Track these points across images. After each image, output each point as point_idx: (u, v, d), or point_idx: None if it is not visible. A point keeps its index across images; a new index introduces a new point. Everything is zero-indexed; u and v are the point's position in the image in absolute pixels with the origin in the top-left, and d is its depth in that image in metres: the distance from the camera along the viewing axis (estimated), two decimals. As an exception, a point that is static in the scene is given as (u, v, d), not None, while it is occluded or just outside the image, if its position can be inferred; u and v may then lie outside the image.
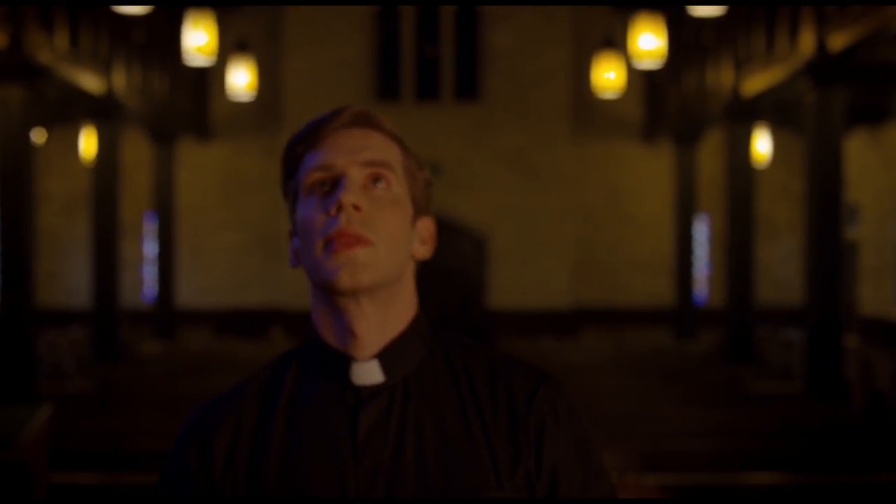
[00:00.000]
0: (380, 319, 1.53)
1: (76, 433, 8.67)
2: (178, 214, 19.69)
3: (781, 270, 20.99)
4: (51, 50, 12.53)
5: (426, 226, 1.60)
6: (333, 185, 1.52)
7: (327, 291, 1.51)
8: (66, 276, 20.73)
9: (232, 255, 20.86)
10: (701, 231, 20.72)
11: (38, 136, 17.42)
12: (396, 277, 1.53)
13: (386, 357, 1.53)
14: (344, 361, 1.53)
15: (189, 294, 20.46)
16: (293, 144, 1.57)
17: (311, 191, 1.53)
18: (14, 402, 10.11)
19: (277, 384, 1.57)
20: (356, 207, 1.48)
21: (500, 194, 20.14)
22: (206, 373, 14.16)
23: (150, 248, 20.34)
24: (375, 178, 1.53)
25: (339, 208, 1.48)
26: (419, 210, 1.59)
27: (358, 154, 1.53)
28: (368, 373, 1.53)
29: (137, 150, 19.70)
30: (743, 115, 15.05)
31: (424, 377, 1.55)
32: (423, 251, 1.60)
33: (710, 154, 19.57)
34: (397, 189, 1.54)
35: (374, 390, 1.53)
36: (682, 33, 17.38)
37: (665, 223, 20.37)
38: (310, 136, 1.56)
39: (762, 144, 17.19)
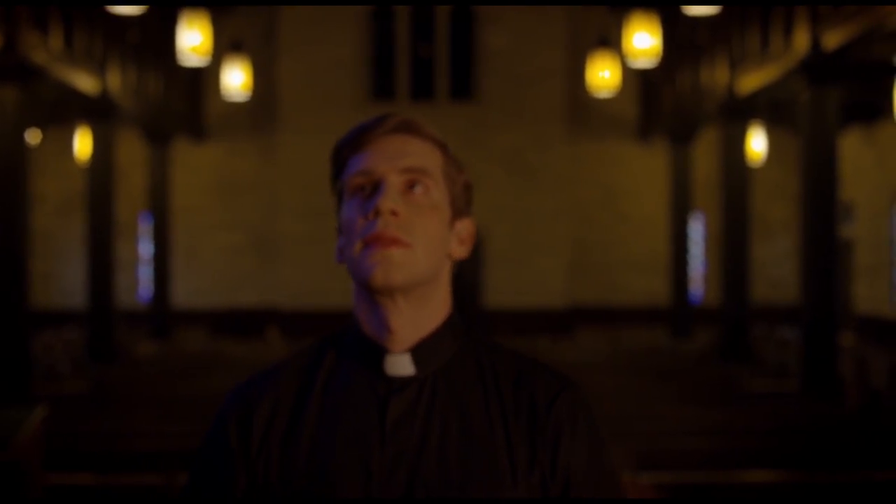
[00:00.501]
0: (414, 316, 1.61)
1: (71, 434, 8.66)
2: (173, 215, 19.68)
3: (777, 269, 21.01)
4: (45, 50, 12.52)
5: (465, 226, 1.68)
6: (374, 189, 1.60)
7: (365, 288, 1.60)
8: (61, 277, 20.70)
9: (227, 255, 20.84)
10: (696, 230, 20.74)
11: (32, 136, 17.40)
12: (431, 278, 1.61)
13: (418, 352, 1.61)
14: (379, 352, 1.62)
15: (184, 294, 20.45)
16: (340, 147, 1.66)
17: (353, 193, 1.62)
18: (9, 404, 10.10)
19: (316, 367, 1.65)
20: (394, 213, 1.57)
21: (496, 194, 20.13)
22: (202, 373, 14.15)
23: (146, 249, 20.32)
24: (413, 184, 1.61)
25: (377, 213, 1.57)
26: (458, 212, 1.67)
27: (398, 161, 1.61)
28: (400, 365, 1.61)
29: (132, 151, 19.69)
30: (738, 114, 15.05)
31: (453, 373, 1.63)
32: (461, 251, 1.68)
33: (704, 153, 19.58)
34: (435, 194, 1.62)
35: (405, 382, 1.61)
36: (677, 32, 17.38)
37: (660, 222, 20.38)
38: (355, 141, 1.64)
39: (757, 143, 17.20)
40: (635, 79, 20.27)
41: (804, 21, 12.07)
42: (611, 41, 17.07)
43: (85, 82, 14.11)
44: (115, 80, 15.27)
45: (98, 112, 14.99)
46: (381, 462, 1.56)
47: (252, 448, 1.60)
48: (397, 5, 20.47)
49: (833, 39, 11.45)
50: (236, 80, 17.04)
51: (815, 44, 11.77)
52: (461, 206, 1.68)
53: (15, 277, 11.87)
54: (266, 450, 1.60)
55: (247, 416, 1.62)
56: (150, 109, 17.47)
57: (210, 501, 1.61)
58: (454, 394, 1.61)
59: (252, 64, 17.96)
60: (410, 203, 1.59)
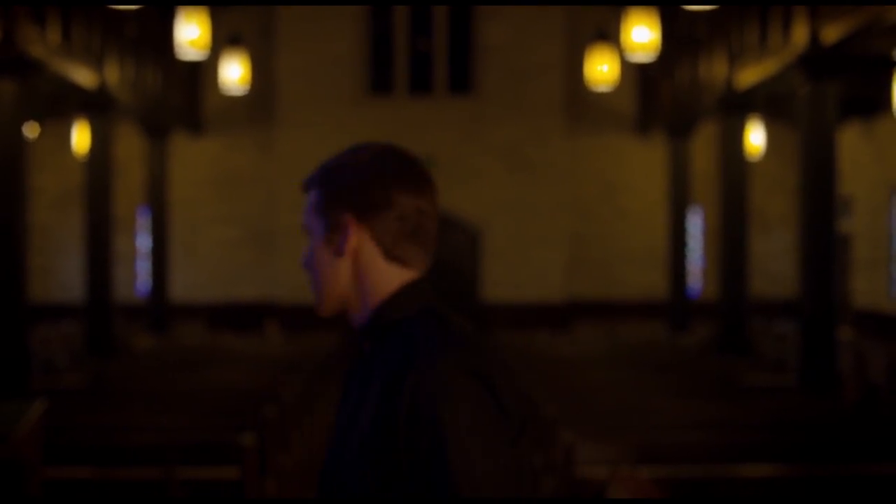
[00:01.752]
0: (358, 314, 1.97)
1: (70, 428, 8.65)
2: (171, 209, 19.66)
3: (775, 263, 21.02)
4: (43, 44, 12.50)
5: (337, 229, 1.93)
6: None
7: None
8: (59, 271, 20.69)
9: (225, 249, 20.84)
10: (694, 224, 20.74)
11: (30, 130, 17.38)
12: (345, 291, 1.95)
13: (361, 330, 1.96)
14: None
15: (182, 288, 20.44)
16: None
17: None
18: (7, 398, 10.10)
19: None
20: (305, 267, 2.01)
21: (494, 188, 20.13)
22: (201, 367, 14.14)
23: (144, 243, 20.31)
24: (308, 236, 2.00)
25: None
26: (329, 230, 1.94)
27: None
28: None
29: (130, 145, 19.67)
30: (736, 108, 15.05)
31: (372, 354, 1.92)
32: (353, 241, 1.92)
33: (703, 147, 19.58)
34: (316, 232, 1.96)
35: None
36: (676, 26, 17.37)
37: (658, 216, 20.38)
38: None
39: (755, 137, 17.19)
40: (634, 73, 20.26)
41: (803, 15, 12.06)
42: (609, 35, 17.05)
43: (83, 76, 14.09)
44: (113, 74, 15.25)
45: (96, 106, 14.97)
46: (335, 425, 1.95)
47: None
48: (396, 5, 20.45)
49: (832, 34, 11.45)
50: (234, 74, 17.02)
51: (814, 38, 11.77)
52: (331, 223, 1.93)
53: (13, 271, 11.86)
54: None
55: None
56: (148, 103, 17.46)
57: None
58: (361, 372, 1.92)
59: (250, 58, 17.93)
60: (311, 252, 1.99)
